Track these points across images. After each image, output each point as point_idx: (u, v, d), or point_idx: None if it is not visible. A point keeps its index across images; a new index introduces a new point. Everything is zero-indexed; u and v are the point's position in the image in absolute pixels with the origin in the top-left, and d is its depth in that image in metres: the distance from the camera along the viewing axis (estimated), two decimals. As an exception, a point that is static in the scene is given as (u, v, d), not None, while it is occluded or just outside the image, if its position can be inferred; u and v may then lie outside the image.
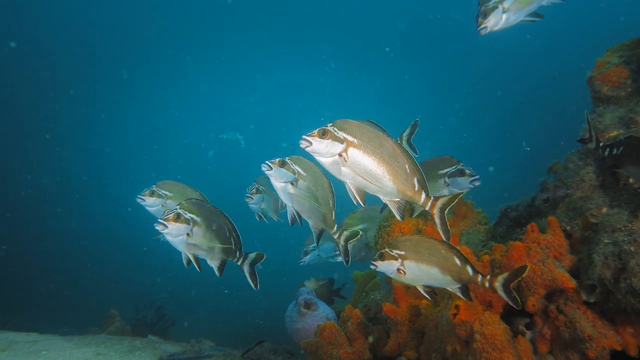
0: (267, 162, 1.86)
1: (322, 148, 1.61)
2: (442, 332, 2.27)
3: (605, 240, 2.00)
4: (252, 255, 2.35)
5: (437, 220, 1.76)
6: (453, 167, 2.80)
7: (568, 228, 2.29)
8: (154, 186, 2.74)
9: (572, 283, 2.00)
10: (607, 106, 2.55)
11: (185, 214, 2.15)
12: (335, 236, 2.03)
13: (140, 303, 6.70)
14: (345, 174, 1.66)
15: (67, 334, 4.65)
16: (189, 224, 2.14)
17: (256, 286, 2.29)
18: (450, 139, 21.21)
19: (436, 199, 1.74)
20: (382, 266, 1.94)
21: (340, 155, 1.62)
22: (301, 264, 4.17)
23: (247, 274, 2.31)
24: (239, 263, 2.34)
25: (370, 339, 2.86)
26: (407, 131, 2.64)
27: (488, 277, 1.90)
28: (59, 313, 8.84)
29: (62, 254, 14.66)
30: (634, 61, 2.57)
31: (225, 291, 10.34)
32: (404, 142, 2.65)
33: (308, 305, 3.52)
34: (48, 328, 4.94)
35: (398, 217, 1.76)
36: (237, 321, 9.27)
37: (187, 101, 25.05)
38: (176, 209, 2.15)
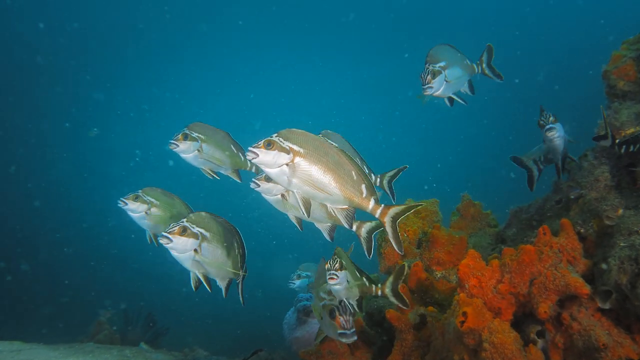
0: (253, 179, 1.86)
1: (269, 159, 1.67)
2: (449, 340, 2.27)
3: (622, 244, 2.00)
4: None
5: (388, 229, 1.82)
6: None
7: (582, 231, 2.29)
8: (139, 191, 2.72)
9: (586, 289, 2.00)
10: (624, 102, 2.54)
11: (193, 227, 2.05)
12: (353, 229, 2.00)
13: (130, 310, 6.70)
14: (293, 184, 1.72)
15: (52, 342, 4.64)
16: (197, 238, 2.04)
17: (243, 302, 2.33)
18: (457, 135, 21.26)
19: (387, 207, 1.80)
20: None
21: (287, 165, 1.68)
22: (290, 285, 4.33)
23: (240, 291, 2.31)
24: (238, 281, 2.31)
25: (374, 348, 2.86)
26: (391, 173, 2.67)
27: (379, 285, 2.22)
28: (45, 320, 8.84)
29: (48, 259, 14.66)
30: (651, 54, 2.57)
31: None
32: (384, 182, 2.69)
33: (308, 312, 3.52)
34: (33, 336, 4.93)
35: (346, 225, 1.82)
36: (232, 329, 9.28)
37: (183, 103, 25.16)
38: (183, 221, 2.06)
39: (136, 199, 2.68)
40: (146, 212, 2.68)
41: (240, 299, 2.35)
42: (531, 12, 22.16)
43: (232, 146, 2.71)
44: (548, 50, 20.77)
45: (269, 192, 2.04)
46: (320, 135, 2.36)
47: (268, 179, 2.02)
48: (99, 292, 11.54)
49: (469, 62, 2.82)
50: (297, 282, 4.52)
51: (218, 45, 24.19)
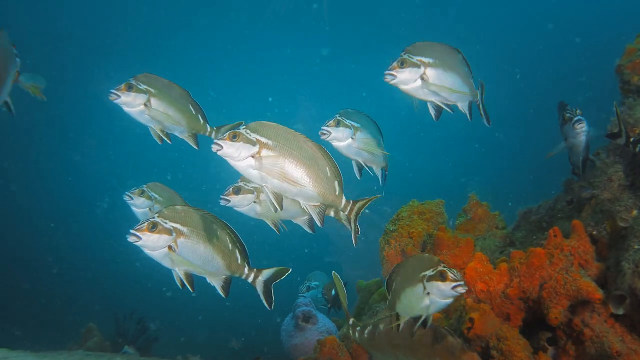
0: (222, 196, 1.82)
1: (233, 151, 1.69)
2: (455, 347, 2.26)
3: (636, 246, 2.00)
4: (267, 273, 2.19)
5: (352, 225, 1.91)
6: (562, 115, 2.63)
7: (594, 233, 2.28)
8: (144, 186, 2.70)
9: (598, 294, 1.99)
10: (638, 98, 2.54)
11: (166, 222, 1.98)
12: (345, 212, 1.92)
13: (121, 315, 6.69)
14: (262, 178, 1.74)
15: (40, 349, 4.64)
16: (170, 234, 1.97)
17: (270, 306, 2.15)
18: (464, 132, 21.29)
19: (354, 203, 1.89)
20: None
21: (253, 157, 1.70)
22: (300, 297, 4.41)
23: (260, 293, 2.19)
24: (249, 280, 2.23)
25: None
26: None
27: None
28: (32, 327, 8.84)
29: (35, 262, 14.67)
30: (667, 48, 2.57)
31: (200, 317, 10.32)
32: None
33: (307, 318, 3.52)
34: (20, 343, 4.93)
35: (318, 222, 1.86)
36: (228, 334, 9.27)
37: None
38: (154, 216, 1.98)
39: (142, 194, 2.65)
40: (149, 209, 2.66)
41: (267, 304, 2.28)
42: (529, 13, 22.24)
43: (190, 106, 2.46)
44: (553, 48, 20.79)
45: (241, 204, 2.09)
46: (338, 114, 2.35)
47: (236, 190, 2.08)
48: (89, 297, 11.55)
49: (473, 83, 2.42)
50: (308, 294, 4.55)
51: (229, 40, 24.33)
